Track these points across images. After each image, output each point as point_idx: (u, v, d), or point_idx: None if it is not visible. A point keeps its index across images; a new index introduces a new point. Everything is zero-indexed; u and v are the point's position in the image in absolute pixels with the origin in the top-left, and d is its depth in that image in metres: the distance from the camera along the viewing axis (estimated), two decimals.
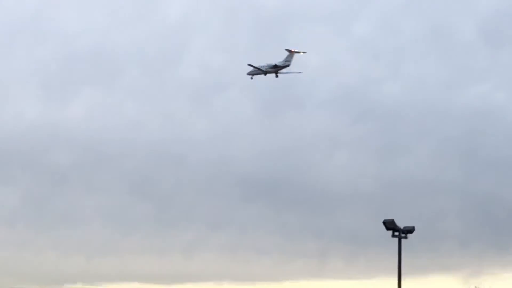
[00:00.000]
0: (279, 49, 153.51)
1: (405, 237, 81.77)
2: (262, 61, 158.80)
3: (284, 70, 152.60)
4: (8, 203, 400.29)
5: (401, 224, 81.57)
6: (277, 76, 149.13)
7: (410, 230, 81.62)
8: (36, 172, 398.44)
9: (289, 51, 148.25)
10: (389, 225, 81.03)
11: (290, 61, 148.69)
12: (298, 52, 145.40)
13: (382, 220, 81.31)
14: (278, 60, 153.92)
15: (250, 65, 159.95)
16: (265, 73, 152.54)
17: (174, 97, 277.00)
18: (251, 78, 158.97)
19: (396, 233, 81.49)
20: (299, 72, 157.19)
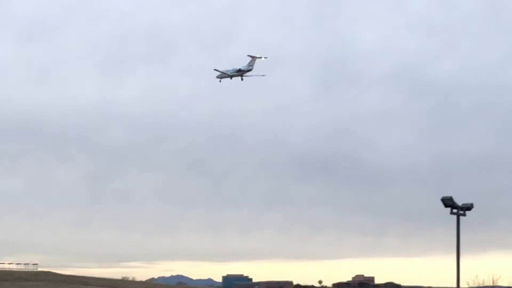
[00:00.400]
0: (243, 55, 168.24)
1: (464, 214, 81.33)
2: (230, 66, 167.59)
3: (248, 73, 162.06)
4: (66, 183, 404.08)
5: (459, 201, 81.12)
6: (242, 79, 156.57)
7: (469, 207, 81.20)
8: (93, 151, 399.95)
9: (251, 56, 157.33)
10: (448, 202, 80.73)
11: (252, 65, 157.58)
12: (260, 58, 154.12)
13: (440, 198, 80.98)
14: (242, 65, 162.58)
15: (216, 70, 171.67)
16: (231, 76, 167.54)
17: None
18: (220, 81, 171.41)
19: (455, 210, 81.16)
20: (263, 75, 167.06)
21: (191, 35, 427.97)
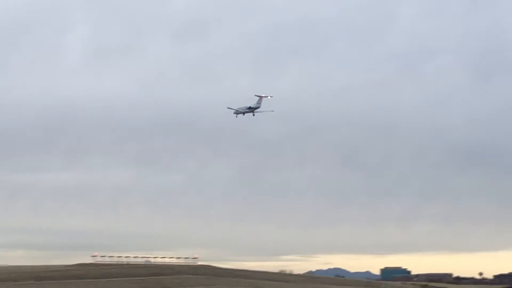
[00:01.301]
0: (252, 95, 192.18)
1: None
2: (242, 104, 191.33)
3: (257, 110, 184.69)
4: (223, 177, 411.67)
5: None
6: (253, 115, 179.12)
7: None
8: (249, 146, 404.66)
9: (259, 96, 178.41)
10: None
11: (260, 103, 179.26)
12: (266, 97, 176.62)
13: None
14: (252, 103, 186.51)
15: (229, 108, 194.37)
16: (243, 113, 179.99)
17: (383, 66, 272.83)
18: (236, 117, 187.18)
19: None
20: (272, 111, 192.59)
21: (344, 28, 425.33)
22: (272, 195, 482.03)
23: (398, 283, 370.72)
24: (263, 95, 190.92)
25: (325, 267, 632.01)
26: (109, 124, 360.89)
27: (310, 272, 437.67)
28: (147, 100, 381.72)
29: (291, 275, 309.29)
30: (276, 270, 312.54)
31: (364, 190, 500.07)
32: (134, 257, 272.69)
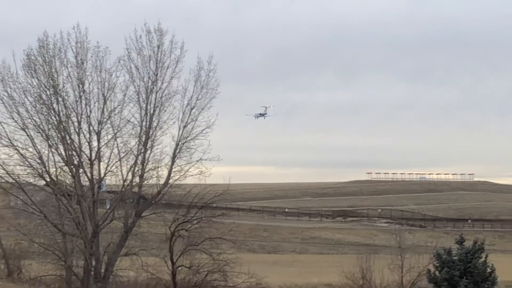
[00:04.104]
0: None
1: None
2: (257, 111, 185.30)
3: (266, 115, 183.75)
4: (499, 92, 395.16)
5: None
6: (264, 118, 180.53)
7: None
8: None
9: (265, 107, 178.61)
10: None
11: (266, 111, 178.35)
12: (269, 107, 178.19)
13: None
14: (261, 111, 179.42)
15: (247, 115, 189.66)
16: (257, 117, 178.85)
17: None
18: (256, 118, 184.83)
19: None
20: (276, 115, 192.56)
21: None
22: None
23: None
24: (267, 106, 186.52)
25: None
26: (381, 41, 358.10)
27: None
28: (418, 16, 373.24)
29: None
30: None
31: None
32: (409, 173, 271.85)
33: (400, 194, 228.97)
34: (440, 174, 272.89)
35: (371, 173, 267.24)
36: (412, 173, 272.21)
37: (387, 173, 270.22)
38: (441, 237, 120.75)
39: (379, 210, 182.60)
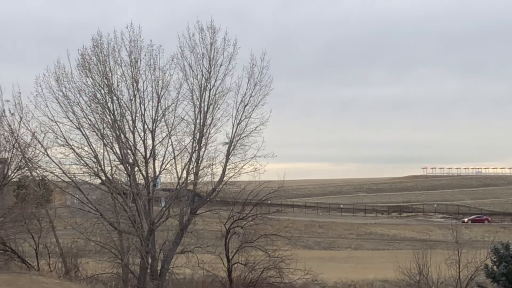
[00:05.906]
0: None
1: None
2: None
3: None
4: None
5: None
6: None
7: None
8: None
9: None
10: None
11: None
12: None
13: None
14: None
15: None
16: None
17: None
18: None
19: None
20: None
21: None
22: None
23: None
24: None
25: None
26: (431, 35, 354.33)
27: None
28: (468, 8, 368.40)
29: None
30: None
31: None
32: (465, 168, 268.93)
33: (455, 189, 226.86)
34: (496, 168, 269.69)
35: (426, 168, 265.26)
36: (468, 168, 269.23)
37: (443, 168, 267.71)
38: (498, 231, 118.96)
39: (435, 205, 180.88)
